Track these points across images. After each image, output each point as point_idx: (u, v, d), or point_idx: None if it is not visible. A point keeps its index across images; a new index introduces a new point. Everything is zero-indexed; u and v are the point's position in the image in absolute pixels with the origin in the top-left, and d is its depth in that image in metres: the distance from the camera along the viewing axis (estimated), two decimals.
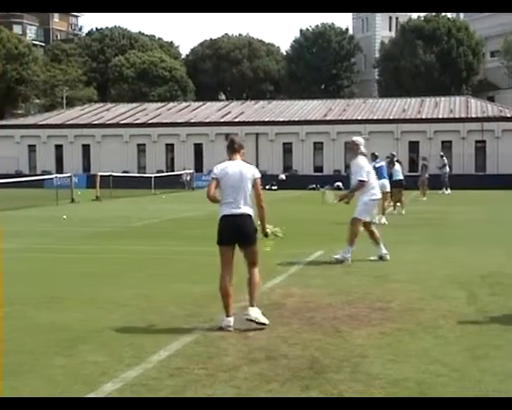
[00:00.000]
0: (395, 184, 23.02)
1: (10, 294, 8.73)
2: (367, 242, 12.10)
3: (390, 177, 23.28)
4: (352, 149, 12.15)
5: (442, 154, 39.62)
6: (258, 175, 7.17)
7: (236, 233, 6.99)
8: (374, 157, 24.45)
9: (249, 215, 7.07)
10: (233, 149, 7.20)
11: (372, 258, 11.86)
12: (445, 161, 38.04)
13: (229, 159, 7.20)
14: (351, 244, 11.72)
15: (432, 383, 5.21)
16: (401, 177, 23.21)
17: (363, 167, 11.78)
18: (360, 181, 11.72)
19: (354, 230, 11.77)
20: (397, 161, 23.98)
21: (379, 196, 12.48)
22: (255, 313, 6.88)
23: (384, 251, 11.92)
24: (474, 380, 5.31)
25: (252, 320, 6.85)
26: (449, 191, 36.60)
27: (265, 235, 7.31)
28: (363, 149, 11.95)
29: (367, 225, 12.03)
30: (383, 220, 18.62)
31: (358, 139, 12.02)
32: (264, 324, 6.87)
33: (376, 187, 12.30)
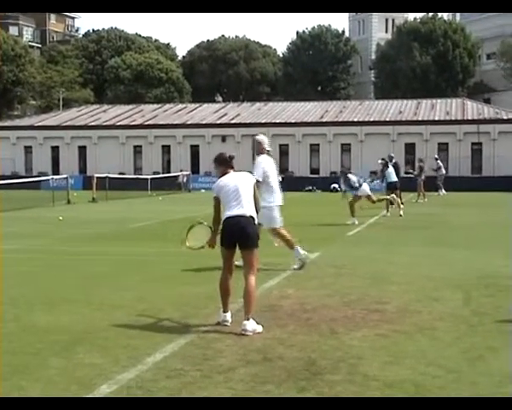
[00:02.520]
0: (389, 186, 23.12)
1: (5, 295, 8.72)
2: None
3: (383, 179, 23.40)
4: (257, 149, 11.21)
5: (437, 157, 39.69)
6: (254, 179, 7.55)
7: (238, 234, 6.99)
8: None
9: (252, 217, 7.10)
10: (226, 163, 7.39)
11: (295, 267, 11.03)
12: (440, 163, 38.10)
13: (223, 174, 7.34)
14: (292, 248, 11.10)
15: (428, 385, 5.21)
16: (394, 179, 23.27)
17: (261, 167, 10.94)
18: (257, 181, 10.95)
19: (281, 236, 11.17)
20: (394, 163, 24.00)
21: (276, 202, 11.14)
22: (251, 326, 6.81)
23: (305, 252, 11.11)
24: (470, 382, 5.31)
25: (248, 335, 6.73)
26: (444, 193, 36.68)
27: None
28: (267, 147, 11.24)
29: (276, 233, 11.27)
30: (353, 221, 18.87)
31: (261, 138, 11.34)
32: (259, 332, 6.84)
33: (277, 192, 11.14)
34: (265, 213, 10.47)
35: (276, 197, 11.18)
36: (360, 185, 19.66)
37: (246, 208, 7.07)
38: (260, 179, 10.58)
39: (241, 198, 7.07)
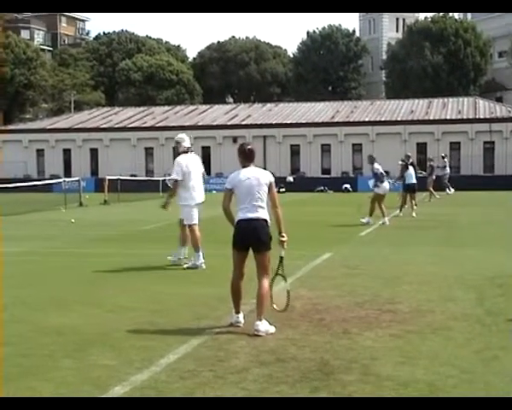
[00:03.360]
0: (407, 187, 22.88)
1: (18, 297, 8.76)
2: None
3: (404, 180, 23.12)
4: (177, 148, 11.45)
5: (443, 155, 39.38)
6: (273, 179, 7.15)
7: (250, 237, 6.96)
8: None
9: (265, 220, 7.02)
10: (245, 155, 7.20)
11: (186, 265, 11.28)
12: (446, 162, 37.86)
13: (242, 166, 7.18)
14: (197, 250, 11.28)
15: (442, 385, 5.19)
16: (414, 181, 23.01)
17: (180, 165, 11.10)
18: (174, 180, 11.18)
19: (193, 236, 11.32)
20: (411, 163, 23.78)
21: (196, 200, 11.37)
22: (264, 326, 6.80)
23: (201, 260, 11.20)
24: (484, 382, 5.28)
25: (261, 335, 6.73)
26: (452, 191, 36.48)
27: (281, 236, 7.05)
28: (185, 145, 11.37)
29: (183, 228, 11.47)
30: (385, 221, 18.68)
31: (181, 137, 11.50)
32: (272, 333, 6.83)
33: (196, 190, 11.33)
34: (185, 210, 11.23)
35: (196, 195, 11.37)
36: (383, 177, 19.26)
37: (259, 211, 7.00)
38: (179, 178, 11.06)
39: (256, 199, 6.99)
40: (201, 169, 11.69)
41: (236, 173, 7.16)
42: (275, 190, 7.17)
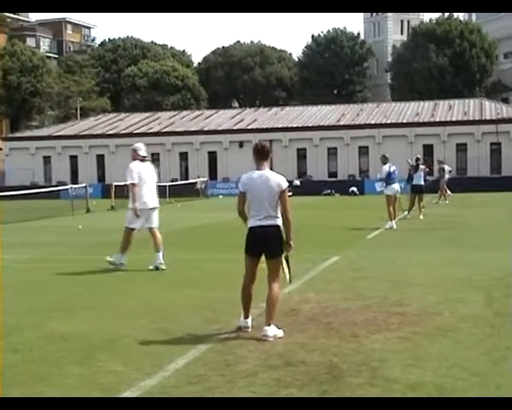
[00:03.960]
0: (413, 188, 22.81)
1: (25, 304, 8.77)
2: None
3: (412, 180, 23.03)
4: (132, 156, 12.04)
5: (441, 160, 39.40)
6: (286, 185, 6.96)
7: (262, 244, 6.93)
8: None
9: (277, 226, 6.97)
10: (260, 155, 7.08)
11: (150, 267, 11.66)
12: (446, 167, 37.62)
13: (257, 168, 7.05)
14: (122, 252, 11.79)
15: (451, 388, 5.16)
16: (422, 182, 22.91)
17: (132, 171, 11.71)
18: (131, 184, 11.73)
19: (126, 237, 11.89)
20: (421, 165, 23.62)
21: (147, 205, 11.85)
22: (273, 331, 6.78)
23: (160, 261, 11.67)
24: (495, 384, 5.25)
25: (269, 340, 6.71)
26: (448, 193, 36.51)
27: (288, 245, 6.99)
28: (141, 153, 11.95)
29: (128, 231, 11.92)
30: (391, 224, 18.52)
31: (137, 145, 12.06)
32: (281, 337, 6.81)
33: (146, 196, 11.80)
34: (129, 213, 11.93)
35: (147, 200, 11.89)
36: (393, 175, 19.14)
37: (271, 218, 6.92)
38: (136, 182, 11.67)
39: (265, 207, 6.89)
40: (155, 178, 12.33)
41: (248, 175, 7.05)
42: (287, 196, 7.00)
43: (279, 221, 6.98)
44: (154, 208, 12.06)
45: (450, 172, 37.06)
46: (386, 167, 19.27)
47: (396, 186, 19.30)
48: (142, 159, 11.97)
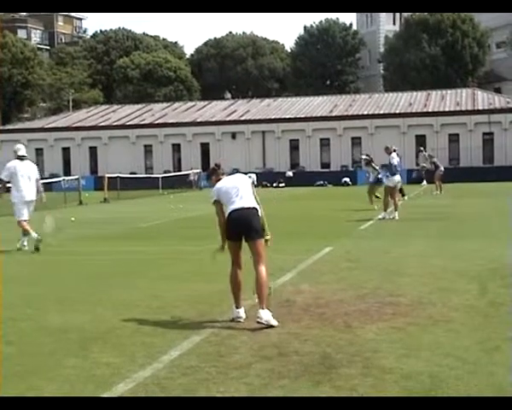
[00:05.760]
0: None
1: (20, 296, 8.76)
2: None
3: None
4: (15, 155, 13.83)
5: (422, 149, 39.82)
6: (251, 180, 7.58)
7: (242, 225, 7.04)
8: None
9: (256, 209, 7.14)
10: (215, 172, 7.51)
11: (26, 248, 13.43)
12: (426, 156, 37.85)
13: (217, 181, 7.43)
14: (24, 235, 13.62)
15: (445, 377, 5.18)
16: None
17: (6, 168, 13.60)
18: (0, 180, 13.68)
19: (23, 227, 13.56)
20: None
21: (25, 198, 13.69)
22: (266, 315, 6.83)
23: (25, 243, 13.54)
24: (487, 373, 5.28)
25: (262, 324, 6.81)
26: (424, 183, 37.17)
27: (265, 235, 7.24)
28: (20, 153, 13.76)
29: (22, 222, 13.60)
30: (394, 215, 18.49)
31: (17, 147, 13.93)
32: (274, 326, 6.82)
33: (24, 190, 13.62)
34: (15, 207, 13.71)
35: (25, 194, 13.70)
36: (398, 167, 19.05)
37: (248, 201, 7.13)
38: (4, 179, 13.70)
39: (242, 193, 7.15)
40: (34, 174, 14.00)
41: (216, 186, 7.35)
42: (254, 189, 7.39)
43: (256, 205, 7.19)
44: (30, 201, 13.87)
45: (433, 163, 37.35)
46: (396, 157, 19.25)
47: (398, 177, 19.25)
48: (21, 158, 13.73)
